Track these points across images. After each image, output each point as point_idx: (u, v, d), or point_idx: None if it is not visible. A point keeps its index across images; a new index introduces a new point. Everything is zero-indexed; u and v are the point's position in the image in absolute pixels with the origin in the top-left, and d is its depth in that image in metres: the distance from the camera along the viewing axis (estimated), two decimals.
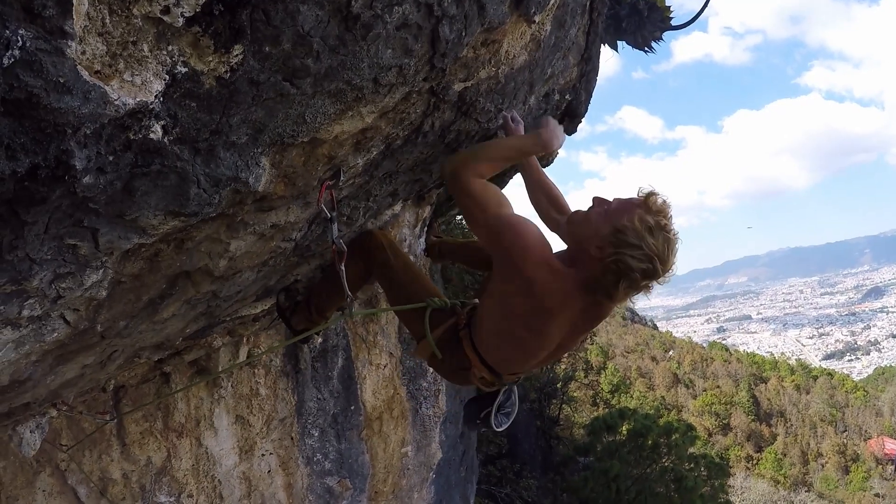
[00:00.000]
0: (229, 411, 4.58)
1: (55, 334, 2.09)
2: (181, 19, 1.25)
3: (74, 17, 1.07)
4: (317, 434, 5.46)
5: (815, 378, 66.12)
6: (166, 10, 1.21)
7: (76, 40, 1.09)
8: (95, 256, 1.78)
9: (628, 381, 54.96)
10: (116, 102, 1.29)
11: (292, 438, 5.15)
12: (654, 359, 65.76)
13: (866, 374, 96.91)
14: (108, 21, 1.15)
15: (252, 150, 1.86)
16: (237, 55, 1.44)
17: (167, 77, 1.35)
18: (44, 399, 2.97)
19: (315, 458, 5.47)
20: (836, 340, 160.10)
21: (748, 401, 57.43)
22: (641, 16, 5.06)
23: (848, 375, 78.34)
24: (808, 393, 61.87)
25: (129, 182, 1.57)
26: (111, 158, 1.45)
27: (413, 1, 1.82)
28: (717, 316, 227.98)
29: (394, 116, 2.39)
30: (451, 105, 2.76)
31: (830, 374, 70.68)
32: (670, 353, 69.56)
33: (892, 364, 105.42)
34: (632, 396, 49.70)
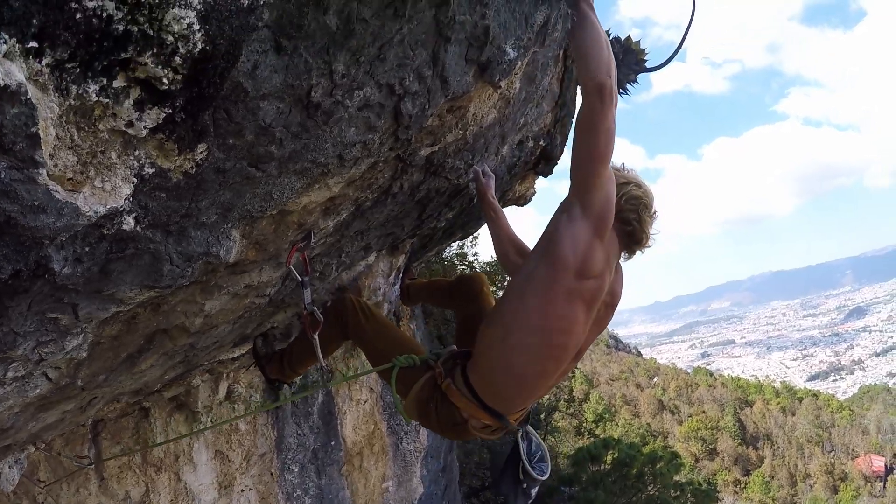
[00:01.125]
0: (209, 446, 4.52)
1: (38, 390, 2.15)
2: (145, 131, 1.34)
3: (43, 147, 1.17)
4: (297, 469, 5.39)
5: (801, 399, 66.17)
6: (130, 124, 1.29)
7: (46, 167, 1.19)
8: (75, 325, 1.86)
9: (613, 409, 54.79)
10: (88, 213, 1.39)
11: (272, 474, 5.08)
12: (638, 386, 65.72)
13: (851, 394, 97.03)
14: (76, 137, 1.24)
15: (222, 226, 1.94)
16: (202, 152, 1.52)
17: (135, 179, 1.44)
18: (24, 441, 2.99)
19: (295, 494, 5.39)
20: (820, 361, 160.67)
21: (734, 425, 57.39)
22: (616, 59, 5.14)
23: (833, 395, 78.48)
24: (793, 415, 61.89)
25: (105, 265, 1.65)
26: (87, 250, 1.54)
27: (374, 83, 1.87)
28: (701, 341, 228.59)
29: (361, 183, 2.46)
30: (419, 168, 2.81)
31: (815, 394, 70.74)
32: (655, 379, 69.53)
33: (877, 382, 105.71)
34: (617, 424, 49.53)
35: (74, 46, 1.09)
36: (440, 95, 2.27)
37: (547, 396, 23.76)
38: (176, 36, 1.18)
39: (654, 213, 2.99)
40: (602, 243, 2.68)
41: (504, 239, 3.50)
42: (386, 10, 1.63)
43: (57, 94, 1.13)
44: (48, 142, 1.17)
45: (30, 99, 1.10)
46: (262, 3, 1.28)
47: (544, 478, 3.09)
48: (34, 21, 1.03)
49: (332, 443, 5.83)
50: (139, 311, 2.15)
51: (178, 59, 1.22)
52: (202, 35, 1.22)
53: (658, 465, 18.87)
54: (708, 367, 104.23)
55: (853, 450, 56.27)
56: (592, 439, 25.09)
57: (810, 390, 77.97)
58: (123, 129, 1.29)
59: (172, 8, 1.13)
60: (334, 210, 2.51)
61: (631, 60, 5.16)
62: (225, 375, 4.42)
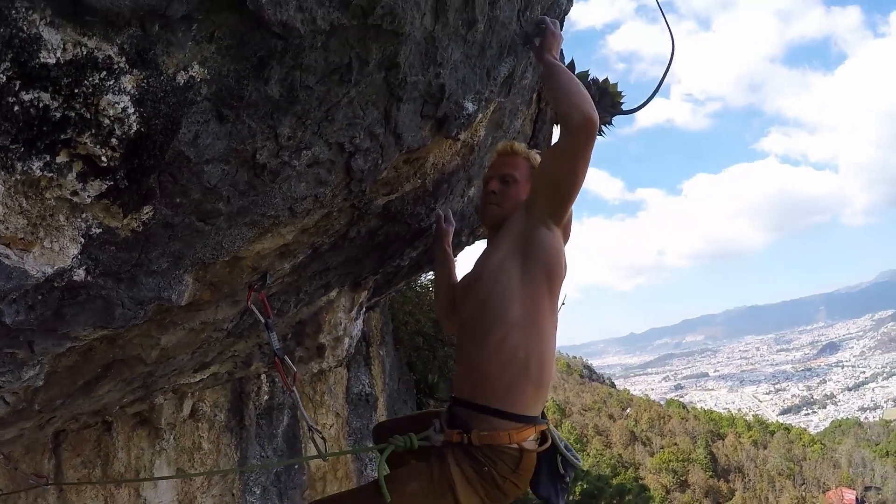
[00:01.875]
0: (170, 463, 4.45)
1: None
2: (89, 199, 1.39)
3: None
4: (258, 491, 5.32)
5: (773, 433, 66.49)
6: (74, 193, 1.34)
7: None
8: (31, 358, 1.89)
9: (585, 439, 54.82)
10: (37, 275, 1.44)
11: (233, 495, 5.03)
12: (611, 416, 65.75)
13: (823, 427, 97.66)
14: (24, 204, 1.29)
15: (174, 273, 1.96)
16: (147, 212, 1.56)
17: (83, 239, 1.48)
18: None
19: None
20: (793, 395, 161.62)
21: (706, 457, 57.50)
22: (593, 101, 5.13)
23: (805, 429, 78.85)
24: (765, 448, 62.15)
25: (58, 310, 1.69)
26: (39, 299, 1.58)
27: (323, 142, 1.89)
28: (675, 374, 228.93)
29: (316, 230, 2.46)
30: (376, 215, 2.81)
31: (787, 428, 71.07)
32: (628, 410, 69.61)
33: (849, 416, 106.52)
34: (589, 454, 49.54)
35: (15, 133, 1.15)
36: (394, 150, 2.28)
37: None
38: (111, 119, 1.24)
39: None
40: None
41: (444, 286, 3.48)
42: (331, 76, 1.66)
43: (2, 172, 1.19)
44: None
45: None
46: (198, 80, 1.33)
47: (580, 464, 2.94)
48: None
49: (296, 467, 5.80)
50: (95, 344, 2.17)
51: (114, 140, 1.28)
52: (137, 117, 1.27)
53: (626, 498, 18.93)
54: (681, 400, 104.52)
55: (824, 483, 56.54)
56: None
57: (782, 424, 78.38)
58: (69, 197, 1.34)
59: (106, 94, 1.19)
60: (290, 254, 2.52)
61: (607, 102, 5.27)
62: (190, 394, 4.39)
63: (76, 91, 1.15)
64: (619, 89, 5.34)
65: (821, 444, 64.22)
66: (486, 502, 2.57)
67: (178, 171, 1.50)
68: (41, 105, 1.13)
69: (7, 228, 1.27)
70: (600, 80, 5.18)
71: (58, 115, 1.16)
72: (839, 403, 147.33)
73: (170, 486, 4.48)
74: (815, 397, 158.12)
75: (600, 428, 61.16)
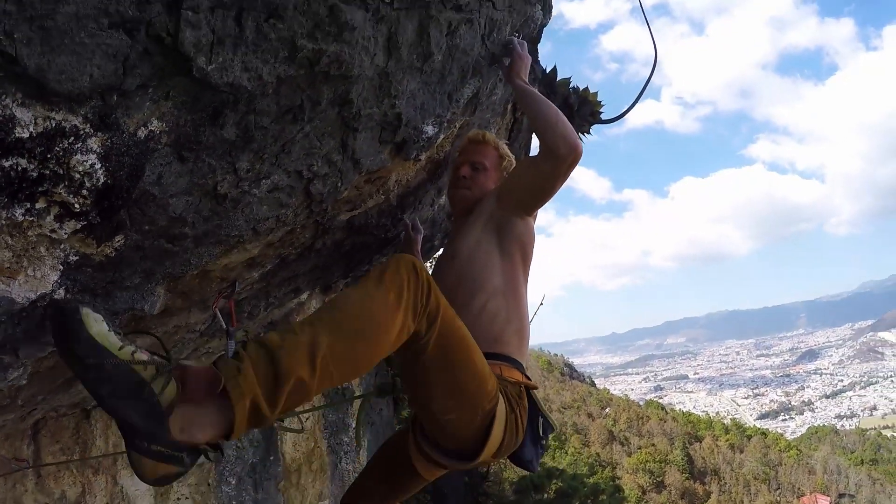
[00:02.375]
0: None
1: None
2: (66, 234, 1.52)
3: None
4: (234, 482, 5.33)
5: (750, 437, 66.37)
6: (53, 231, 1.48)
7: None
8: (16, 362, 2.00)
9: (564, 437, 54.89)
10: (21, 301, 1.58)
11: (209, 484, 5.05)
12: (590, 415, 65.64)
13: (800, 434, 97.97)
14: (9, 241, 1.43)
15: (146, 286, 2.07)
16: (119, 240, 1.69)
17: (62, 266, 1.61)
18: None
19: None
20: (771, 401, 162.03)
21: (682, 459, 57.45)
22: (572, 109, 4.86)
23: (782, 435, 78.93)
24: (742, 452, 62.06)
25: (41, 323, 1.79)
26: (24, 316, 1.70)
27: (282, 171, 1.98)
28: (655, 375, 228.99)
29: (281, 244, 2.55)
30: (340, 228, 2.89)
31: (764, 433, 70.96)
32: (607, 410, 69.48)
33: (825, 424, 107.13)
34: (566, 452, 49.59)
35: (1, 188, 1.29)
36: (352, 174, 2.35)
37: None
38: (81, 174, 1.38)
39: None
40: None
41: None
42: (284, 116, 1.76)
43: None
44: None
45: None
46: (157, 132, 1.47)
47: (557, 429, 3.01)
48: None
49: (272, 458, 5.82)
50: None
51: (85, 191, 1.42)
52: (103, 171, 1.42)
53: (601, 498, 19.05)
54: (660, 401, 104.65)
55: (799, 488, 56.61)
56: None
57: (759, 428, 78.43)
58: (48, 234, 1.48)
59: (76, 155, 1.33)
60: (257, 265, 2.61)
61: (586, 111, 5.06)
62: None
63: (49, 155, 1.30)
64: (598, 98, 5.15)
65: (797, 449, 64.30)
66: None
67: (146, 205, 1.63)
68: (20, 168, 1.27)
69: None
70: (583, 87, 5.01)
71: (34, 174, 1.31)
72: (816, 410, 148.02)
73: None
74: (792, 403, 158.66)
75: (579, 426, 61.06)
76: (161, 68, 1.33)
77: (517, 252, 2.89)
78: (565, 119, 2.79)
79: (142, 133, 1.43)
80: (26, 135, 1.22)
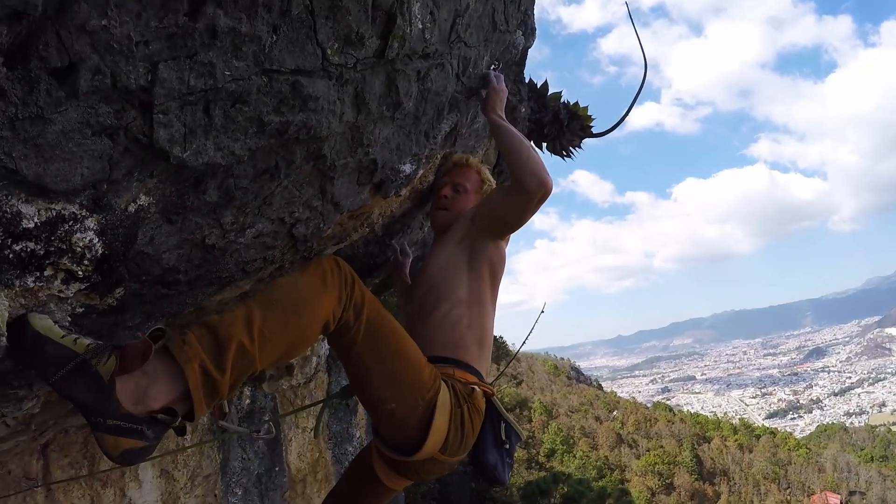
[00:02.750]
0: (154, 465, 4.52)
1: None
2: (71, 294, 1.71)
3: (1, 322, 1.56)
4: (240, 493, 5.35)
5: (758, 437, 65.86)
6: (60, 291, 1.67)
7: (4, 336, 1.60)
8: (31, 395, 2.20)
9: (571, 441, 54.76)
10: None
11: (216, 495, 5.08)
12: (597, 419, 65.31)
13: (809, 432, 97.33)
14: (23, 302, 1.62)
15: (146, 325, 2.23)
16: (119, 293, 1.87)
17: (69, 318, 1.81)
18: None
19: None
20: (779, 400, 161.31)
21: (691, 460, 57.13)
22: (562, 124, 4.98)
23: (791, 433, 78.39)
24: (751, 451, 61.62)
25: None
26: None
27: (265, 219, 2.11)
28: (662, 376, 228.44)
29: (271, 279, 2.68)
30: None
31: (773, 432, 70.41)
32: (614, 413, 69.09)
33: (834, 421, 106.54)
34: (574, 456, 49.47)
35: (12, 268, 1.49)
36: (334, 214, 2.47)
37: None
38: (82, 248, 1.57)
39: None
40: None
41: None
42: (262, 176, 1.90)
43: (5, 289, 1.54)
44: (3, 315, 1.57)
45: None
46: (146, 205, 1.65)
47: (523, 435, 2.99)
48: None
49: (277, 468, 5.84)
50: None
51: (86, 261, 1.62)
52: (101, 243, 1.61)
53: (607, 502, 19.15)
54: (668, 402, 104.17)
55: (809, 487, 56.19)
56: (543, 473, 25.31)
57: (768, 428, 77.92)
58: (56, 294, 1.67)
59: (76, 234, 1.53)
60: (251, 297, 2.66)
61: (576, 126, 5.11)
62: None
63: (52, 237, 1.49)
64: (588, 112, 5.18)
65: (806, 448, 63.82)
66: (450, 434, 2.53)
67: (141, 262, 1.81)
68: (29, 249, 1.47)
69: (11, 315, 1.62)
70: (570, 103, 5.08)
71: (42, 252, 1.50)
72: (825, 408, 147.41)
73: (154, 486, 4.56)
74: (801, 402, 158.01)
75: (587, 430, 60.76)
76: (142, 159, 1.50)
77: (486, 270, 2.99)
78: (536, 155, 2.87)
79: (132, 208, 1.62)
80: (32, 225, 1.42)
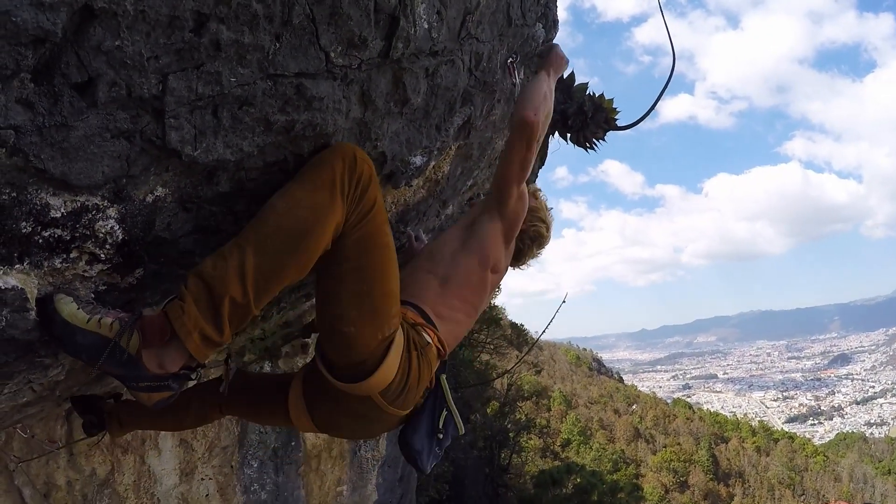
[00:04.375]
0: (174, 434, 4.67)
1: (24, 398, 2.60)
2: (95, 273, 1.87)
3: (30, 297, 1.72)
4: (256, 465, 5.55)
5: (777, 441, 65.56)
6: (84, 271, 1.83)
7: (33, 311, 1.77)
8: (56, 363, 2.31)
9: (589, 433, 54.88)
10: None
11: (232, 466, 5.26)
12: (616, 411, 65.38)
13: (828, 439, 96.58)
14: (51, 280, 1.78)
15: (164, 301, 2.19)
16: (138, 273, 2.02)
17: (93, 294, 1.96)
18: (6, 425, 3.32)
19: (252, 488, 5.54)
20: (800, 404, 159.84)
21: (707, 459, 57.09)
22: (586, 117, 4.92)
23: (809, 439, 77.79)
24: (767, 455, 61.42)
25: None
26: None
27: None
28: (684, 373, 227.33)
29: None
30: None
31: (792, 437, 70.02)
32: (634, 406, 69.07)
33: (854, 430, 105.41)
34: (591, 448, 49.62)
35: (43, 251, 1.65)
36: None
37: (521, 416, 23.99)
38: (104, 234, 1.73)
39: (541, 252, 3.42)
40: (507, 248, 3.09)
41: None
42: (271, 168, 2.02)
43: (35, 273, 1.70)
44: (33, 293, 1.74)
45: (18, 286, 1.67)
46: (163, 195, 1.79)
47: (462, 429, 2.85)
48: (15, 251, 1.61)
49: (293, 443, 6.03)
50: None
51: (108, 246, 1.77)
52: (121, 230, 1.76)
53: (619, 496, 19.24)
54: (688, 400, 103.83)
55: (823, 495, 55.80)
56: (557, 462, 25.40)
57: (787, 432, 77.39)
58: (81, 273, 1.84)
59: (98, 222, 1.68)
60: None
61: (600, 118, 5.04)
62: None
63: (77, 225, 1.64)
64: (614, 105, 5.09)
65: (824, 455, 63.52)
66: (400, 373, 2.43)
67: (159, 246, 1.97)
68: (56, 235, 1.63)
69: (39, 293, 1.78)
70: (597, 93, 5.01)
71: (68, 237, 1.66)
72: (846, 416, 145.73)
73: (173, 455, 4.73)
74: (822, 408, 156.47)
75: (605, 422, 60.90)
76: (157, 157, 1.64)
77: (476, 245, 2.96)
78: (535, 97, 2.91)
79: (149, 198, 1.77)
80: (59, 215, 1.58)
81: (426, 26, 2.24)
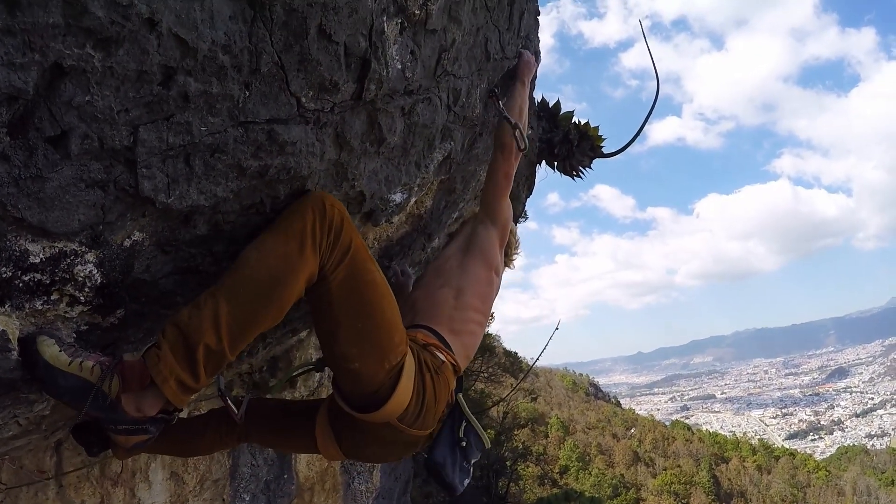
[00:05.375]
0: (165, 467, 4.61)
1: (10, 432, 2.61)
2: (76, 314, 1.90)
3: (11, 339, 1.77)
4: (248, 498, 5.43)
5: (777, 458, 65.26)
6: (66, 312, 1.86)
7: (14, 352, 1.81)
8: (41, 398, 2.35)
9: (588, 458, 54.60)
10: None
11: (224, 500, 5.16)
12: (615, 436, 65.11)
13: (829, 454, 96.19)
14: (33, 320, 1.82)
15: (148, 340, 2.37)
16: (120, 313, 2.05)
17: (75, 334, 1.99)
18: None
19: None
20: (800, 420, 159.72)
21: (708, 481, 56.78)
22: (572, 145, 5.04)
23: (811, 455, 77.49)
24: (769, 473, 61.14)
25: None
26: None
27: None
28: (682, 394, 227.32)
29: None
30: None
31: (793, 453, 69.73)
32: (632, 430, 68.84)
33: (856, 443, 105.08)
34: (590, 473, 49.36)
35: (23, 294, 1.69)
36: None
37: (517, 444, 23.96)
38: (83, 277, 1.77)
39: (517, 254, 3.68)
40: (501, 252, 3.27)
41: None
42: (248, 211, 2.06)
43: (16, 314, 1.74)
44: (14, 333, 1.78)
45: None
46: (140, 240, 1.83)
47: (488, 445, 2.88)
48: None
49: (285, 476, 5.92)
50: None
51: (87, 289, 1.81)
52: (100, 274, 1.80)
53: None
54: (686, 421, 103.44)
55: None
56: (556, 489, 25.30)
57: (788, 449, 77.10)
58: (62, 314, 1.88)
59: (77, 266, 1.72)
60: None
61: (586, 146, 5.16)
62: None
63: (56, 270, 1.69)
64: (599, 132, 5.23)
65: (826, 470, 63.24)
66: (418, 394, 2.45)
67: (139, 287, 2.01)
68: (37, 280, 1.67)
69: (21, 333, 1.83)
70: (583, 121, 5.17)
71: (47, 281, 1.70)
72: (846, 430, 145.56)
73: (163, 488, 4.63)
74: (822, 423, 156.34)
75: (603, 447, 60.64)
76: (132, 205, 1.69)
77: (477, 254, 3.14)
78: (512, 115, 3.20)
79: (127, 243, 1.81)
80: (38, 260, 1.62)
81: (399, 67, 2.26)
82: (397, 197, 2.83)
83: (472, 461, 2.80)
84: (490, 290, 3.14)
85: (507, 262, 3.54)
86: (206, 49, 1.52)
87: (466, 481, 2.78)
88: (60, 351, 1.92)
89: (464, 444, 2.69)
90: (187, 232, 1.95)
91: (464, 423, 2.71)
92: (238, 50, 1.61)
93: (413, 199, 3.05)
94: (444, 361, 2.63)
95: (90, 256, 1.74)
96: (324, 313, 2.27)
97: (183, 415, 2.53)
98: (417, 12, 2.23)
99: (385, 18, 2.09)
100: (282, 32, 1.71)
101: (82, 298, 1.85)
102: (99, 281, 1.83)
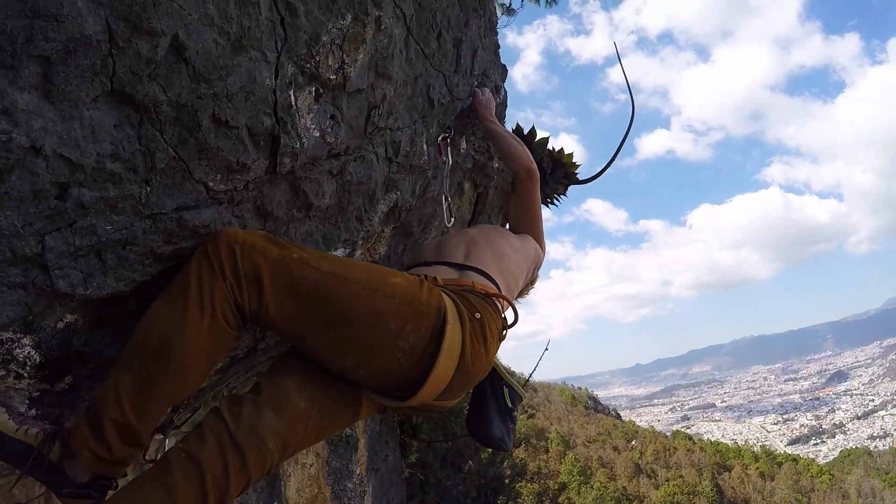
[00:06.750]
0: None
1: None
2: (24, 385, 2.01)
3: None
4: None
5: (780, 464, 65.03)
6: (14, 383, 1.98)
7: None
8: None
9: (589, 472, 54.45)
10: None
11: None
12: (616, 448, 64.94)
13: (832, 457, 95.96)
14: None
15: None
16: (69, 379, 2.15)
17: (28, 400, 2.10)
18: None
19: None
20: (801, 425, 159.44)
21: (712, 490, 56.62)
22: (545, 173, 5.01)
23: (813, 460, 77.20)
24: (772, 479, 60.98)
25: None
26: None
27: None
28: (681, 405, 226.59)
29: (223, 356, 2.62)
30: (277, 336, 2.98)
31: (795, 459, 69.50)
32: (633, 442, 68.64)
33: (858, 445, 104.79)
34: (592, 487, 49.25)
35: None
36: None
37: (516, 461, 23.92)
38: (23, 358, 1.90)
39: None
40: (529, 272, 3.28)
41: None
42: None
43: None
44: None
45: None
46: (73, 321, 1.96)
47: (524, 397, 2.74)
48: None
49: (275, 503, 5.77)
50: None
51: (28, 366, 1.94)
52: (39, 354, 1.93)
53: None
54: (687, 431, 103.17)
55: None
56: None
57: (790, 454, 76.90)
58: (12, 385, 2.00)
59: (15, 349, 1.85)
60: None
61: (560, 174, 5.23)
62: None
63: None
64: (573, 159, 5.27)
65: (829, 474, 63.13)
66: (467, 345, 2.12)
67: (83, 358, 2.12)
68: None
69: None
70: (558, 148, 5.24)
71: None
72: (848, 432, 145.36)
73: None
74: (823, 427, 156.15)
75: (605, 460, 60.50)
76: (54, 298, 1.80)
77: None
78: (519, 147, 3.43)
79: (61, 325, 1.94)
80: None
81: (318, 134, 2.18)
82: (339, 252, 2.78)
83: (517, 417, 2.74)
84: (521, 275, 3.03)
85: (525, 290, 3.61)
86: (93, 162, 1.57)
87: (513, 436, 2.72)
88: (9, 419, 2.06)
89: (515, 412, 2.66)
90: (118, 309, 2.06)
91: (505, 389, 2.64)
92: (129, 154, 1.63)
93: (359, 252, 3.03)
94: (490, 300, 2.37)
95: (26, 340, 1.87)
96: (295, 345, 2.14)
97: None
98: (332, 77, 2.11)
99: (293, 91, 2.00)
100: (173, 129, 1.69)
101: (26, 374, 1.98)
102: (38, 360, 1.96)
